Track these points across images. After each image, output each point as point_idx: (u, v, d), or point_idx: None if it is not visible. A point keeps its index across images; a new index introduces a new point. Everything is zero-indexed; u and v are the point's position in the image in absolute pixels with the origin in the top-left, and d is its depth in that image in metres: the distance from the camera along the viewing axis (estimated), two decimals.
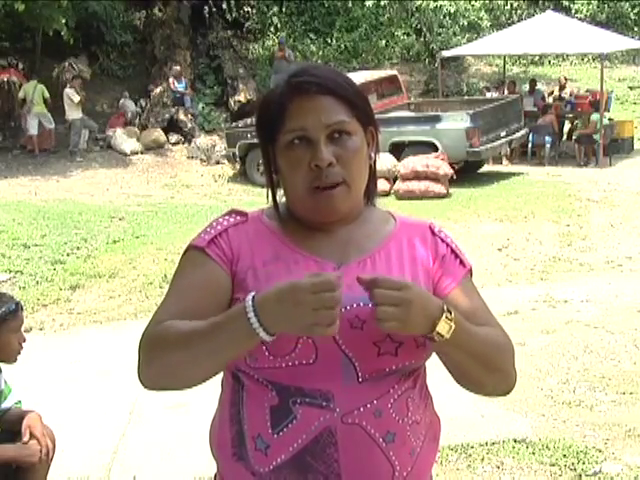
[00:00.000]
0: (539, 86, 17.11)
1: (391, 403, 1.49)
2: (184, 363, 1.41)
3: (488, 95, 16.42)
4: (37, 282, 7.75)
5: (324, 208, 1.52)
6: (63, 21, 15.29)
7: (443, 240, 1.63)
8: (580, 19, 19.75)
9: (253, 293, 1.37)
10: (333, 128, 1.50)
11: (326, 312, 1.30)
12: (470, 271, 1.64)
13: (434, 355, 1.57)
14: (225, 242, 1.54)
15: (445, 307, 1.43)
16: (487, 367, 1.52)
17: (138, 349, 1.48)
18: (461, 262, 1.63)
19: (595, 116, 14.45)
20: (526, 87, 17.28)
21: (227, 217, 1.59)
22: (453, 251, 1.63)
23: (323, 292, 1.30)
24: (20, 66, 16.84)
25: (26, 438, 3.07)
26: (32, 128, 15.53)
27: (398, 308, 1.35)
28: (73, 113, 15.59)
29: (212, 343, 1.38)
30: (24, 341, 3.18)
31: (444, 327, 1.41)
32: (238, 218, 1.59)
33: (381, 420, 1.48)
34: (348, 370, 1.47)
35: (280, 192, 1.61)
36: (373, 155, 1.60)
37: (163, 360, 1.43)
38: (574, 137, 15.18)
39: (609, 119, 15.39)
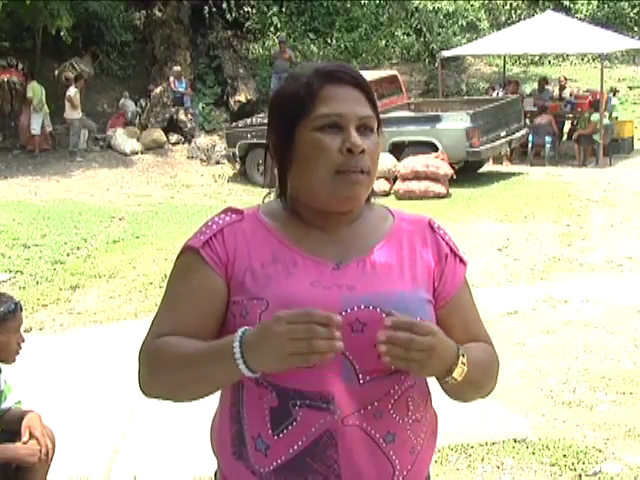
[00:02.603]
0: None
1: (391, 404, 1.49)
2: (176, 385, 1.47)
3: (494, 94, 16.40)
4: (37, 282, 7.75)
5: (346, 193, 1.51)
6: (66, 18, 15.30)
7: (443, 238, 1.63)
8: (580, 19, 19.73)
9: (245, 328, 1.39)
10: (363, 121, 1.52)
11: (302, 343, 1.31)
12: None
13: None
14: (220, 244, 1.53)
15: (460, 351, 1.46)
16: (478, 390, 1.60)
17: (138, 359, 1.51)
18: (460, 260, 1.64)
19: (595, 117, 14.44)
20: (527, 87, 17.27)
21: (223, 216, 1.58)
22: (452, 250, 1.63)
23: (299, 323, 1.32)
24: (20, 66, 16.83)
25: (25, 438, 3.07)
26: (37, 127, 15.56)
27: (421, 353, 1.37)
28: (73, 113, 15.60)
29: (201, 370, 1.42)
30: (23, 341, 3.18)
31: (458, 371, 1.46)
32: (234, 216, 1.57)
33: (381, 421, 1.48)
34: (349, 373, 1.47)
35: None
36: None
37: (159, 379, 1.48)
38: (574, 137, 15.19)
39: (615, 118, 15.38)
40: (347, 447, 1.45)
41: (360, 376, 1.47)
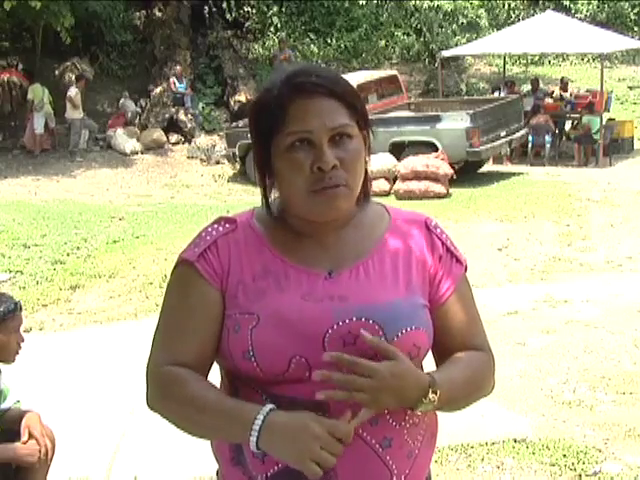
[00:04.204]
0: (540, 85, 17.08)
1: (387, 409, 1.48)
2: (183, 420, 1.51)
3: (496, 94, 16.38)
4: (37, 282, 7.75)
5: (325, 208, 1.48)
6: (67, 18, 15.31)
7: (439, 237, 1.60)
8: (580, 19, 19.72)
9: (272, 406, 1.40)
10: (337, 131, 1.48)
11: (326, 456, 1.34)
12: (465, 267, 1.63)
13: (429, 355, 1.57)
14: (215, 256, 1.52)
15: (430, 388, 1.43)
16: (464, 405, 1.59)
17: (146, 380, 1.52)
18: (457, 260, 1.61)
19: (586, 118, 14.44)
20: (527, 87, 17.26)
21: (216, 226, 1.56)
22: (449, 249, 1.60)
23: (335, 437, 1.34)
24: (20, 66, 16.84)
25: (25, 438, 3.07)
26: (40, 127, 15.57)
27: (361, 394, 1.38)
28: (74, 113, 15.62)
29: (212, 421, 1.45)
30: (22, 341, 3.17)
31: (424, 407, 1.45)
32: (227, 226, 1.56)
33: (377, 427, 1.47)
34: None
35: (272, 195, 1.57)
36: (367, 158, 1.57)
37: (170, 407, 1.51)
38: (572, 137, 15.18)
39: (610, 119, 15.38)
40: (343, 453, 1.43)
41: None
